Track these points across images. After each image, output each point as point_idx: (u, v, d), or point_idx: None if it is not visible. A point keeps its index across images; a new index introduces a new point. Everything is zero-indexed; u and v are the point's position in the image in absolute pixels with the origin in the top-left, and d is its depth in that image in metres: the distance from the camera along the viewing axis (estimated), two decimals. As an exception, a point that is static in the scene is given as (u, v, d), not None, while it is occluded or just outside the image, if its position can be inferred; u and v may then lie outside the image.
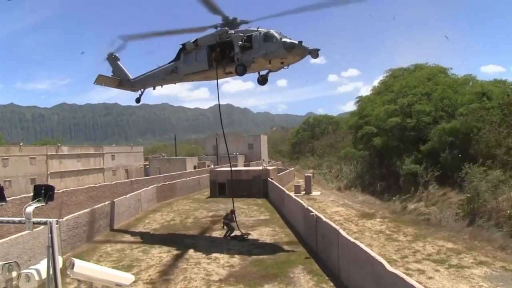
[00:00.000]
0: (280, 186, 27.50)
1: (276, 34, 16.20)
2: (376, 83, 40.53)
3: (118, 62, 22.21)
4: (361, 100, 38.31)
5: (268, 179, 32.14)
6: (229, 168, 39.20)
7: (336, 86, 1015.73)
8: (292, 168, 54.67)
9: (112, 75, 22.22)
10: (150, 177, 42.36)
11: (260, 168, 35.63)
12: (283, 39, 15.98)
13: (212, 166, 51.36)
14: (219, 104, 18.90)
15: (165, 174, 42.96)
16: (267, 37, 16.31)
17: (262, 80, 18.71)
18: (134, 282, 7.53)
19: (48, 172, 51.67)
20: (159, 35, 19.26)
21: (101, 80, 21.49)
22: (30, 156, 49.84)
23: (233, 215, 18.99)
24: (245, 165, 53.72)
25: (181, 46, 19.09)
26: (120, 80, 22.06)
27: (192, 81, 20.61)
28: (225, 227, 19.01)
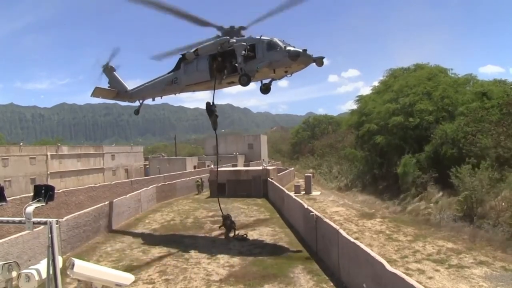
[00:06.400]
0: (280, 186, 27.47)
1: (279, 43, 15.72)
2: (376, 83, 40.21)
3: (114, 73, 21.83)
4: (361, 99, 38.17)
5: (268, 179, 32.10)
6: (229, 168, 39.28)
7: (336, 86, 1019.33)
8: (292, 168, 54.62)
9: (108, 87, 21.85)
10: (150, 177, 42.31)
11: (260, 168, 35.58)
12: (287, 48, 15.47)
13: (212, 166, 51.30)
14: (216, 114, 18.33)
15: (165, 174, 42.91)
16: (271, 45, 15.82)
17: (265, 89, 18.10)
18: (134, 282, 7.53)
19: (48, 172, 51.68)
20: (184, 49, 18.71)
21: (98, 92, 21.15)
22: (30, 156, 49.86)
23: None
24: (245, 165, 53.67)
25: (180, 56, 18.59)
26: (117, 91, 21.68)
27: (194, 91, 20.03)
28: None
